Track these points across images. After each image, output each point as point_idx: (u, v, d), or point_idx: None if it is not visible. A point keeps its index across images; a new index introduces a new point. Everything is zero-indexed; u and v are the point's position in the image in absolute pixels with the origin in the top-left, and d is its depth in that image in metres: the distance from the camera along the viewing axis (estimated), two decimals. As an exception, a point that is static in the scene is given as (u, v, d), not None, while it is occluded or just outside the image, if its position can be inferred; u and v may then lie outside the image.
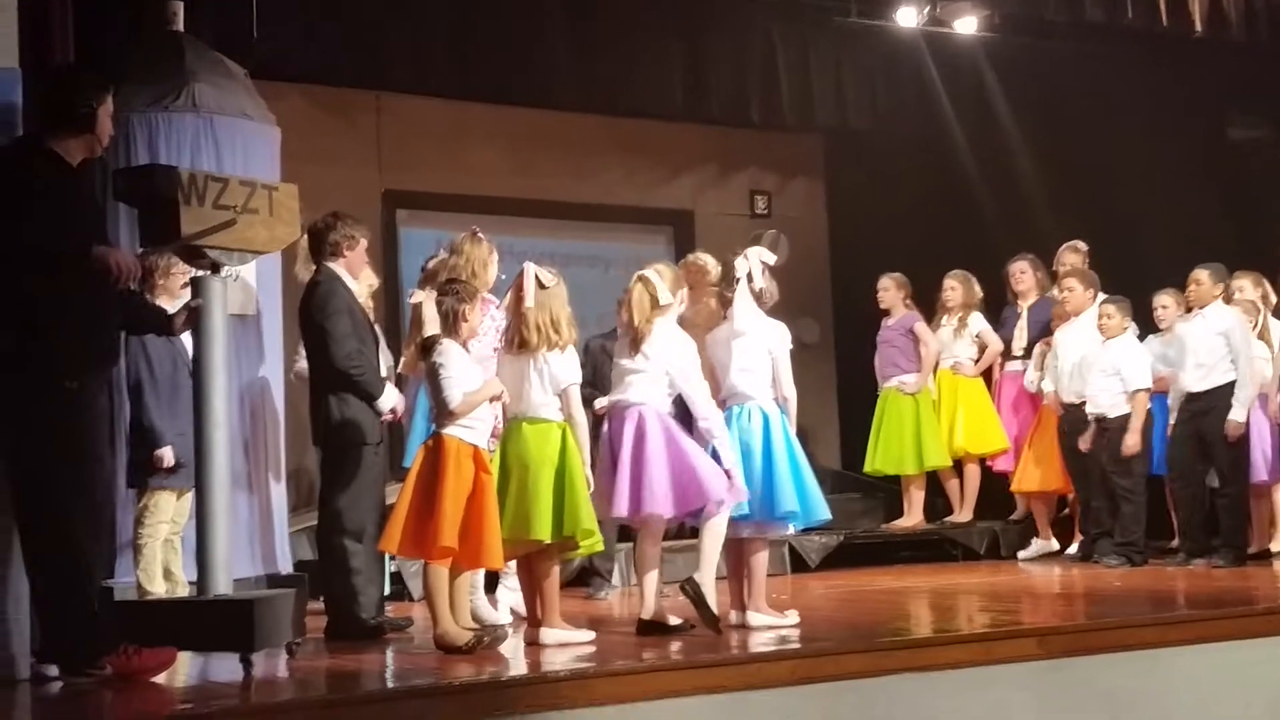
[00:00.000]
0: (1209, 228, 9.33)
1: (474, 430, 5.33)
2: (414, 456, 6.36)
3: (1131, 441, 8.12)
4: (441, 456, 5.23)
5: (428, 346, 5.39)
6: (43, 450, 4.69)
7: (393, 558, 6.98)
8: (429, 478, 5.23)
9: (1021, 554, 9.09)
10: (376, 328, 6.45)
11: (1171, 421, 8.32)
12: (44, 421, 4.69)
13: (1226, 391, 8.00)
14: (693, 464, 5.51)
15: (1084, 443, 8.31)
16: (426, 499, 5.21)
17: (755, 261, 5.84)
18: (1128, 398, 8.16)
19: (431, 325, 5.37)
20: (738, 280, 5.82)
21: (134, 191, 5.11)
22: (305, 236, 6.14)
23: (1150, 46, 9.67)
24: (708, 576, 5.55)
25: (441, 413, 5.30)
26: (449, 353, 5.32)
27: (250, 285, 6.95)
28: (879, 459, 9.42)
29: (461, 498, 5.20)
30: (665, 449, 5.49)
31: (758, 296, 5.82)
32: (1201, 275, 8.18)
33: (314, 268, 6.15)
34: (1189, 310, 8.44)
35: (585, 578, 7.58)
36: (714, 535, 5.57)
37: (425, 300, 5.39)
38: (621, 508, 5.50)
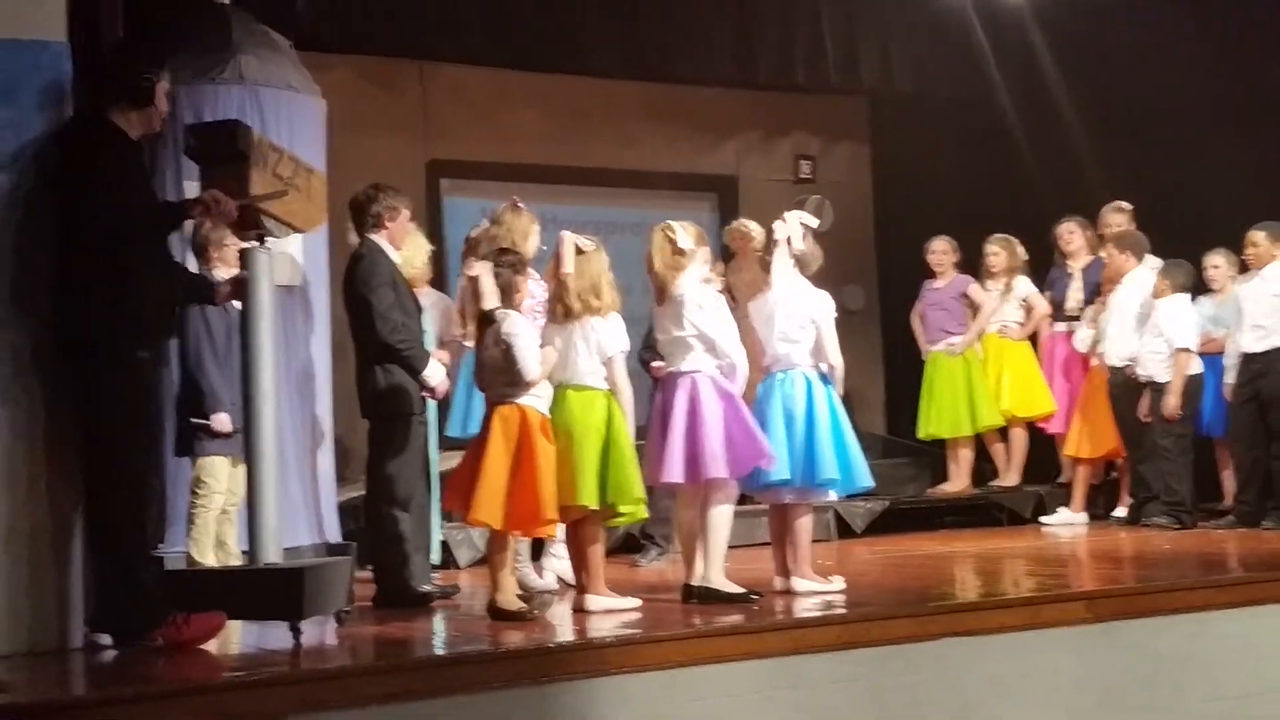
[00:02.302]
0: (1264, 184, 9.20)
1: (543, 399, 5.39)
2: (458, 425, 6.39)
3: (1173, 403, 8.05)
4: (528, 428, 5.28)
5: (489, 318, 5.41)
6: (117, 420, 4.79)
7: (441, 525, 7.04)
8: (520, 450, 5.25)
9: (1044, 519, 9.03)
10: (421, 298, 6.48)
11: (1229, 381, 8.24)
12: (119, 392, 4.79)
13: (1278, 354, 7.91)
14: (748, 427, 5.52)
15: (1142, 411, 8.23)
16: (522, 472, 5.24)
17: (795, 225, 5.80)
18: (1171, 357, 8.09)
19: (490, 298, 5.39)
20: (777, 244, 5.80)
21: (208, 146, 5.14)
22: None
23: (1202, 2, 9.53)
24: (715, 573, 5.52)
25: (517, 383, 5.32)
26: (520, 324, 5.36)
27: (295, 257, 6.99)
28: (934, 423, 9.39)
29: (553, 468, 5.25)
30: (721, 414, 5.49)
31: (798, 261, 5.80)
32: (1258, 236, 8.09)
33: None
34: (1243, 271, 8.35)
35: (634, 545, 7.61)
36: (718, 525, 5.54)
37: (483, 272, 5.41)
38: (676, 473, 5.49)
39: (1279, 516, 7.93)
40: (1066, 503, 9.05)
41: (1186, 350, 8.11)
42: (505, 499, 5.25)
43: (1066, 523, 8.88)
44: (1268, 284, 8.02)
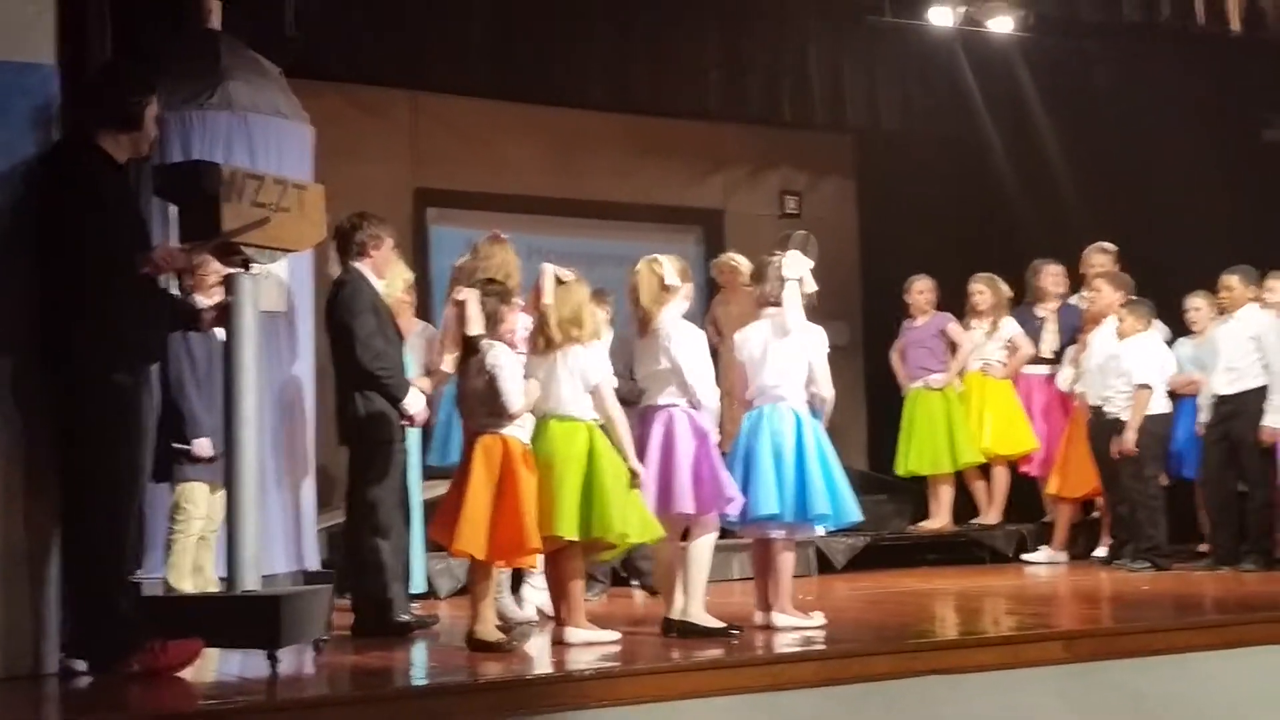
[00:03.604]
0: (1243, 229, 9.27)
1: (525, 429, 5.39)
2: (438, 453, 6.36)
3: (1128, 439, 8.07)
4: (510, 458, 5.28)
5: (473, 346, 5.41)
6: (96, 444, 4.76)
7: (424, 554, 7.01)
8: (502, 480, 5.25)
9: (1026, 556, 9.02)
10: (404, 327, 6.46)
11: (1202, 421, 8.27)
12: (98, 416, 4.75)
13: (1256, 395, 7.94)
14: (715, 468, 5.54)
15: (1113, 450, 8.26)
16: (504, 502, 5.23)
17: (805, 268, 5.84)
18: (1132, 394, 8.12)
19: (475, 324, 5.39)
20: (787, 281, 5.81)
21: (175, 187, 5.15)
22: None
23: (1186, 47, 9.61)
24: (695, 607, 5.51)
25: (500, 414, 5.32)
26: (505, 355, 5.36)
27: (284, 281, 6.98)
28: (913, 460, 9.41)
29: (534, 497, 5.25)
30: (693, 451, 5.50)
31: (808, 300, 5.83)
32: (1232, 280, 8.14)
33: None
34: (1221, 314, 8.39)
35: (616, 579, 7.59)
36: (698, 559, 5.54)
37: (470, 299, 5.41)
38: (649, 506, 5.50)
39: (1259, 558, 7.95)
40: (1049, 541, 9.05)
41: (1146, 387, 8.12)
42: (488, 529, 5.23)
43: (1048, 561, 8.88)
44: (1242, 326, 8.07)
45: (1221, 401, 8.10)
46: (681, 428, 5.53)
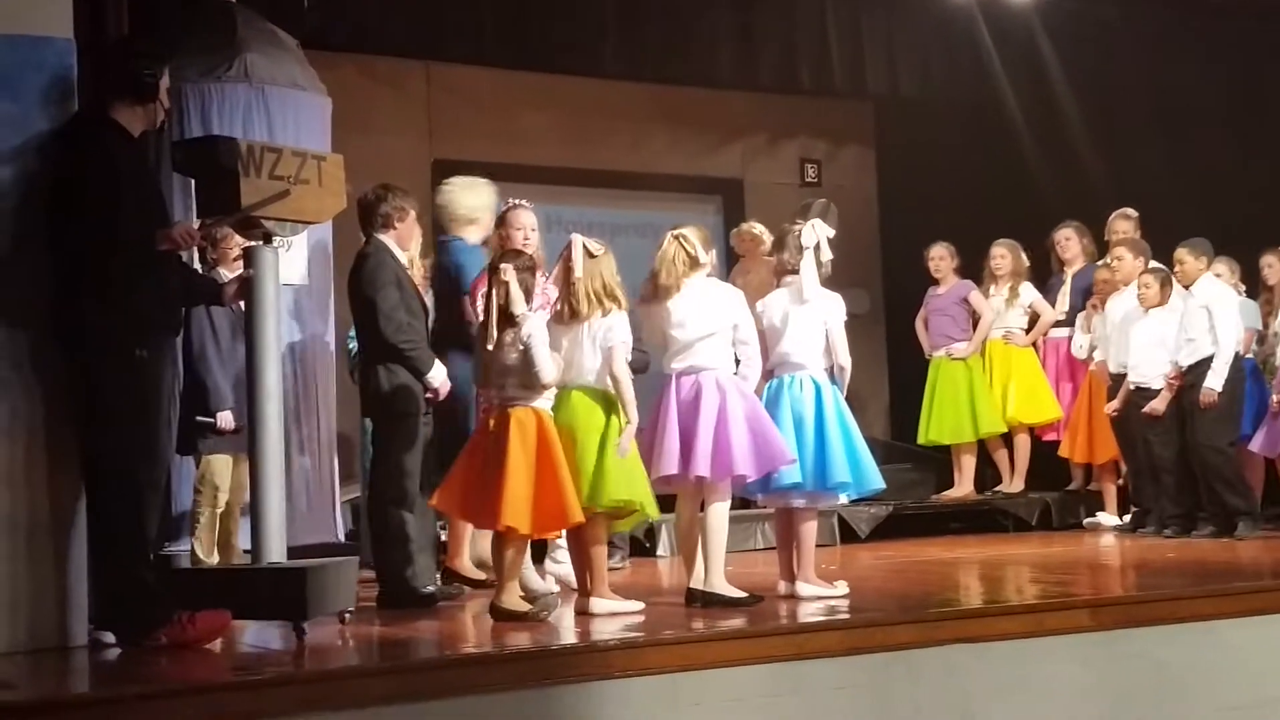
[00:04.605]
0: (1265, 197, 9.21)
1: (550, 401, 5.40)
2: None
3: (1162, 407, 8.06)
4: (545, 431, 5.28)
5: (512, 320, 5.39)
6: (114, 418, 4.77)
7: (443, 526, 7.02)
8: (540, 453, 5.25)
9: (1087, 521, 8.99)
10: (426, 298, 6.47)
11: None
12: (115, 389, 4.77)
13: (1207, 365, 7.93)
14: (772, 428, 5.53)
15: (1110, 407, 8.24)
16: (545, 475, 5.23)
17: (823, 234, 5.81)
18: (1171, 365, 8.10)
19: (519, 302, 5.37)
20: (804, 249, 5.79)
21: (194, 163, 5.16)
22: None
23: (1208, 13, 9.53)
24: (716, 576, 5.50)
25: (533, 386, 5.32)
26: (539, 327, 5.36)
27: (303, 251, 6.98)
28: (933, 429, 9.40)
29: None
30: (744, 412, 5.49)
31: (823, 268, 5.81)
32: (1182, 254, 8.12)
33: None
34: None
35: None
36: (717, 526, 5.53)
37: (510, 277, 5.39)
38: (703, 468, 5.46)
39: (1251, 523, 7.89)
40: (1083, 507, 9.04)
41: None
42: (531, 503, 5.23)
43: (1104, 525, 8.79)
44: (1195, 298, 8.03)
45: (1185, 373, 8.07)
46: (732, 391, 5.50)
